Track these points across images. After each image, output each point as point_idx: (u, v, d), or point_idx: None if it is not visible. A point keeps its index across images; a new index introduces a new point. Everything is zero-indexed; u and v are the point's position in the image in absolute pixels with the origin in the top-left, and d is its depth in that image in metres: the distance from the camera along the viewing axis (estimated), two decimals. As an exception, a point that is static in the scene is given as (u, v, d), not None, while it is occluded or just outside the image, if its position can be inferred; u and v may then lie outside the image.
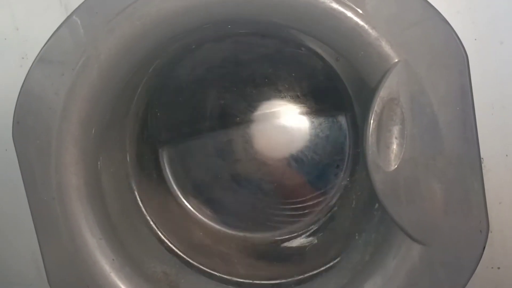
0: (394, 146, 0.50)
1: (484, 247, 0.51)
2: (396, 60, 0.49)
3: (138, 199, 0.73)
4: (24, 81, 0.56)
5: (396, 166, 0.50)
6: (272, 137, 0.80)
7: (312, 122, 0.78)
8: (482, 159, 0.51)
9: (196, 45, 0.72)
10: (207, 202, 0.82)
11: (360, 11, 0.49)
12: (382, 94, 0.49)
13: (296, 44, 0.70)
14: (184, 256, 0.71)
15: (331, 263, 0.65)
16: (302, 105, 0.78)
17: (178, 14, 0.53)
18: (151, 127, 0.80)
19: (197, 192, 0.82)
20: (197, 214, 0.81)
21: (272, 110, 0.79)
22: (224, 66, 0.77)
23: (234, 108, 0.79)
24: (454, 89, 0.49)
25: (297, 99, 0.78)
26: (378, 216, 0.60)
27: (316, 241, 0.76)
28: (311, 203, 0.79)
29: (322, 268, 0.66)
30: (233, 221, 0.81)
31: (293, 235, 0.79)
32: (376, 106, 0.49)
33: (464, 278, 0.52)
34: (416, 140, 0.50)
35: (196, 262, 0.71)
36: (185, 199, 0.81)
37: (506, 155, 0.52)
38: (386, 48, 0.49)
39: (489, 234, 0.51)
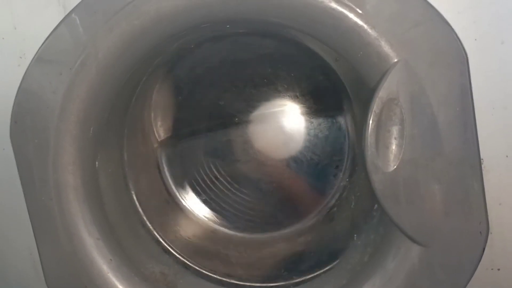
0: (393, 147, 0.50)
1: (484, 249, 0.51)
2: (396, 60, 0.49)
3: (135, 199, 0.73)
4: (22, 80, 0.56)
5: (395, 166, 0.49)
6: (271, 137, 0.79)
7: (311, 122, 0.78)
8: (482, 160, 0.50)
9: (195, 44, 0.72)
10: (205, 202, 0.81)
11: (360, 11, 0.49)
12: (382, 94, 0.49)
13: (295, 44, 0.70)
14: (181, 258, 0.71)
15: (330, 264, 0.65)
16: (301, 105, 0.78)
17: (177, 13, 0.53)
18: (150, 127, 0.79)
19: (195, 192, 0.82)
20: (196, 214, 0.81)
21: (271, 110, 0.78)
22: (223, 66, 0.77)
23: (233, 108, 0.79)
24: (454, 89, 0.49)
25: (296, 99, 0.78)
26: (377, 217, 0.60)
27: (315, 242, 0.75)
28: (310, 203, 0.79)
29: (321, 270, 0.66)
30: (231, 221, 0.80)
31: (292, 235, 0.78)
32: (376, 107, 0.49)
33: (463, 279, 0.52)
34: (415, 141, 0.49)
35: (194, 263, 0.71)
36: (183, 199, 0.81)
37: (506, 156, 0.51)
38: (386, 48, 0.49)
39: (489, 236, 0.51)
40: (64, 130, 0.56)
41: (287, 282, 0.68)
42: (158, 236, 0.72)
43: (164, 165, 0.81)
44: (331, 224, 0.76)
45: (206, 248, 0.78)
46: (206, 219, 0.81)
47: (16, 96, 0.56)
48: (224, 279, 0.70)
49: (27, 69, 0.55)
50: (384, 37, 0.49)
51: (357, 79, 0.53)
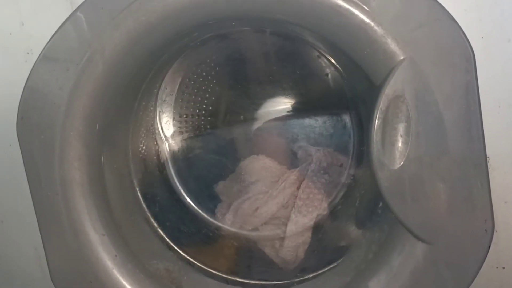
0: (399, 144, 0.50)
1: (489, 247, 0.51)
2: (402, 58, 0.49)
3: (140, 196, 0.73)
4: (28, 76, 0.56)
5: (401, 164, 0.49)
6: (275, 135, 0.79)
7: (316, 120, 0.78)
8: (488, 158, 0.50)
9: (200, 42, 0.72)
10: (209, 199, 0.81)
11: (366, 8, 0.49)
12: (388, 91, 0.49)
13: (301, 41, 0.70)
14: (185, 255, 0.71)
15: (335, 262, 0.65)
16: (306, 103, 0.78)
17: (183, 10, 0.53)
18: (154, 124, 0.80)
19: (199, 189, 0.82)
20: (200, 211, 0.81)
21: (276, 108, 0.78)
22: (229, 64, 0.77)
23: (238, 105, 0.79)
24: (460, 87, 0.49)
25: (301, 97, 0.78)
26: (382, 214, 0.60)
27: (319, 239, 0.75)
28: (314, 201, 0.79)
29: (326, 268, 0.66)
30: (235, 219, 0.80)
31: (296, 233, 0.78)
32: (382, 104, 0.49)
33: (468, 277, 0.52)
34: (421, 138, 0.49)
35: (198, 261, 0.71)
36: (187, 196, 0.81)
37: (512, 154, 0.51)
38: (392, 45, 0.49)
39: (494, 234, 0.51)
40: (70, 126, 0.56)
41: (291, 280, 0.68)
42: (162, 233, 0.73)
43: (169, 162, 0.81)
44: (336, 222, 0.76)
45: (210, 245, 0.78)
46: (210, 216, 0.81)
47: (22, 92, 0.56)
48: (228, 276, 0.70)
49: (34, 65, 0.55)
50: (391, 34, 0.49)
51: (363, 76, 0.53)
